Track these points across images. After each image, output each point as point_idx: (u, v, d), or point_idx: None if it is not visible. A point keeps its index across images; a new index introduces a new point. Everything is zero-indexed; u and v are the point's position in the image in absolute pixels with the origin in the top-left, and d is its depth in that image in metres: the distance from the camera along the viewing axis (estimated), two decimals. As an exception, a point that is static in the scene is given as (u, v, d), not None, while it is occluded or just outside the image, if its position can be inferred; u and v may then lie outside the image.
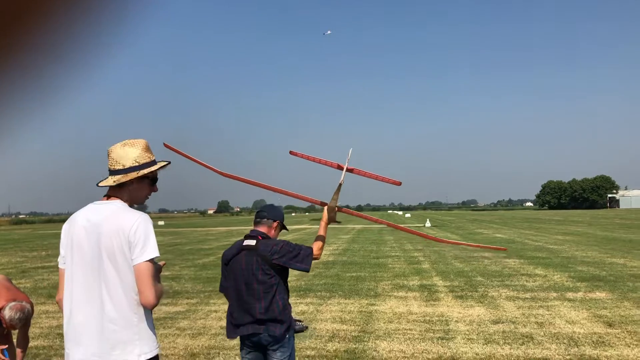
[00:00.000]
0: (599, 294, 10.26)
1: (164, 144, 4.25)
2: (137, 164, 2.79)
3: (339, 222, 4.33)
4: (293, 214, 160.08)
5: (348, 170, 4.45)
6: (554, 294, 10.35)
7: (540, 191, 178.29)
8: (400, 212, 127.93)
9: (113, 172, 2.77)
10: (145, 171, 2.80)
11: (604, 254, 17.95)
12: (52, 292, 6.90)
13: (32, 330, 6.05)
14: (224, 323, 8.37)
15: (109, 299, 2.63)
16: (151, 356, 2.71)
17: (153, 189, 2.95)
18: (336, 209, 4.25)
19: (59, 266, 2.82)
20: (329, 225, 4.22)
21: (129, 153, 2.78)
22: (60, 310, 2.84)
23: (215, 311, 9.36)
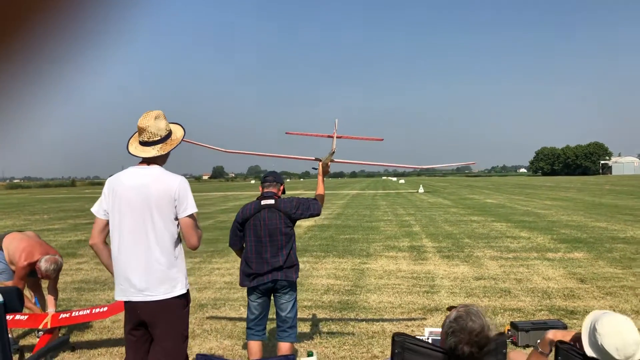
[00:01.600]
0: (577, 254, 10.97)
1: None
2: (168, 132, 3.42)
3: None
4: (288, 180, 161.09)
5: (337, 137, 5.14)
6: (535, 254, 11.06)
7: (533, 157, 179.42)
8: (395, 179, 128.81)
9: (152, 143, 3.35)
10: (178, 138, 3.44)
11: (588, 218, 18.69)
12: (61, 252, 7.45)
13: (45, 285, 6.69)
14: (227, 279, 9.05)
15: (156, 245, 3.26)
16: (185, 291, 3.40)
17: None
18: (329, 163, 4.99)
19: (98, 216, 3.41)
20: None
21: (159, 125, 3.38)
22: (95, 252, 3.51)
23: (218, 269, 10.03)
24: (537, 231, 15.05)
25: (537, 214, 20.67)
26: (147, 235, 3.27)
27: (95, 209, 3.44)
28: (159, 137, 3.38)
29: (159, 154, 3.38)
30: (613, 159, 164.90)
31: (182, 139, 3.50)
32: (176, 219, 3.33)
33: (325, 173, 5.03)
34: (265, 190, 4.60)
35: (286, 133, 5.47)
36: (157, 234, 3.28)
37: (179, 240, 3.39)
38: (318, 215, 4.74)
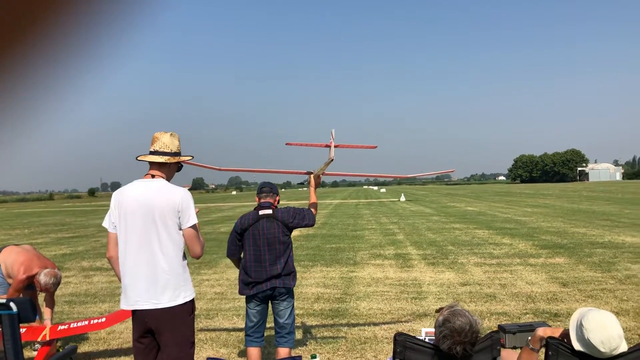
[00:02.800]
0: (558, 260, 11.26)
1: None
2: (178, 151, 3.61)
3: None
4: None
5: (335, 146, 5.38)
6: (518, 260, 11.33)
7: (512, 165, 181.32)
8: (376, 188, 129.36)
9: (160, 154, 3.52)
10: (185, 158, 3.62)
11: (568, 224, 19.10)
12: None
13: (41, 298, 6.75)
14: (217, 290, 9.16)
15: (161, 255, 3.40)
16: (190, 298, 3.54)
17: (176, 171, 3.78)
18: (321, 175, 5.22)
19: (109, 230, 3.55)
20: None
21: (174, 141, 3.60)
22: (111, 265, 3.63)
23: (207, 280, 10.11)
24: (519, 238, 15.36)
25: (517, 221, 21.04)
26: (152, 246, 3.41)
27: (106, 224, 3.58)
28: (170, 150, 3.56)
29: (167, 162, 3.54)
30: (590, 165, 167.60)
31: (188, 162, 3.72)
32: (180, 229, 3.49)
33: (317, 185, 5.24)
34: (263, 200, 4.76)
35: (286, 144, 5.68)
36: (162, 244, 3.42)
37: (183, 249, 3.54)
38: (312, 225, 4.91)
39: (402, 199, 46.40)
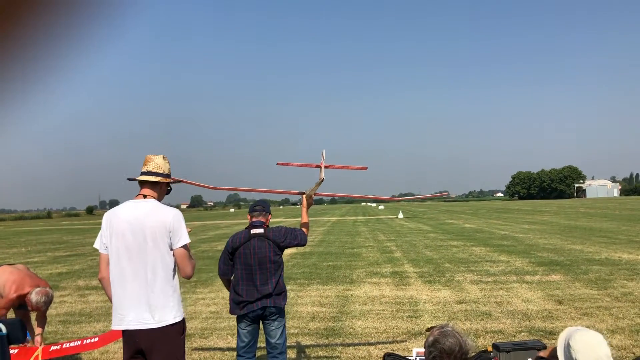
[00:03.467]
0: (554, 277, 11.25)
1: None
2: (169, 173, 3.68)
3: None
4: None
5: (325, 167, 5.40)
6: (514, 277, 11.32)
7: (510, 182, 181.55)
8: (374, 204, 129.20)
9: (154, 174, 3.57)
10: (178, 179, 3.66)
11: (565, 241, 19.10)
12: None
13: (33, 317, 6.72)
14: (212, 308, 9.12)
15: (152, 275, 3.41)
16: (181, 319, 3.54)
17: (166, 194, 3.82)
18: (313, 195, 5.24)
19: (101, 251, 3.56)
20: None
21: (166, 164, 3.68)
22: (102, 286, 3.63)
23: (203, 298, 10.08)
24: (516, 255, 15.35)
25: (515, 238, 21.03)
26: (143, 266, 3.42)
27: (97, 244, 3.59)
28: (162, 172, 3.61)
29: (159, 181, 3.58)
30: (587, 182, 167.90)
31: (182, 180, 3.77)
32: (171, 249, 3.50)
33: (309, 205, 5.27)
34: (254, 219, 4.77)
35: (277, 164, 5.72)
36: (154, 264, 3.43)
37: (174, 270, 3.54)
38: (304, 245, 4.91)
39: (400, 215, 46.37)
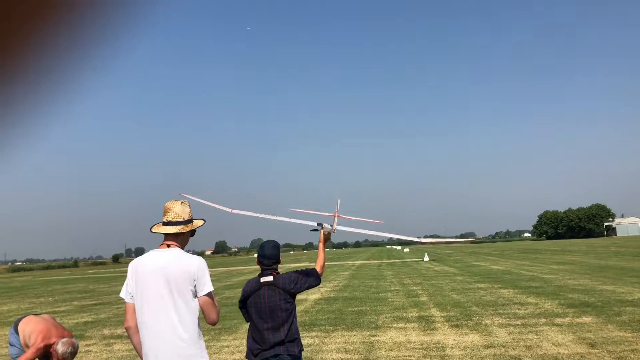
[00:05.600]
0: (586, 319, 10.96)
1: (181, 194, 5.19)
2: (190, 218, 3.69)
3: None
4: (291, 252, 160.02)
5: (338, 216, 5.37)
6: (544, 320, 11.04)
7: (537, 222, 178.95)
8: (399, 247, 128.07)
9: (173, 224, 3.62)
10: (196, 225, 3.70)
11: (595, 281, 18.64)
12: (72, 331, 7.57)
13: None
14: (236, 356, 9.06)
15: (178, 323, 3.44)
16: None
17: (192, 235, 3.85)
18: (332, 232, 5.14)
19: (126, 300, 3.61)
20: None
21: (185, 209, 3.70)
22: (129, 335, 3.66)
23: (227, 346, 10.02)
24: (545, 296, 15.02)
25: (543, 279, 20.60)
26: (169, 315, 3.45)
27: (123, 294, 3.64)
28: (182, 219, 3.66)
29: (180, 232, 3.62)
30: (616, 220, 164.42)
31: (200, 225, 3.80)
32: (196, 297, 3.53)
33: (327, 240, 5.16)
34: (264, 267, 4.74)
35: (289, 209, 5.76)
36: (179, 312, 3.46)
37: (199, 317, 3.57)
38: (317, 285, 4.84)
39: (426, 258, 45.84)
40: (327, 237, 5.15)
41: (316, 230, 5.04)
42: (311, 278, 4.75)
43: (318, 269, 4.85)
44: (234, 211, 5.72)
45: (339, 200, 5.56)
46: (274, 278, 4.63)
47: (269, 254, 4.71)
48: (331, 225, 5.15)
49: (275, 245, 4.79)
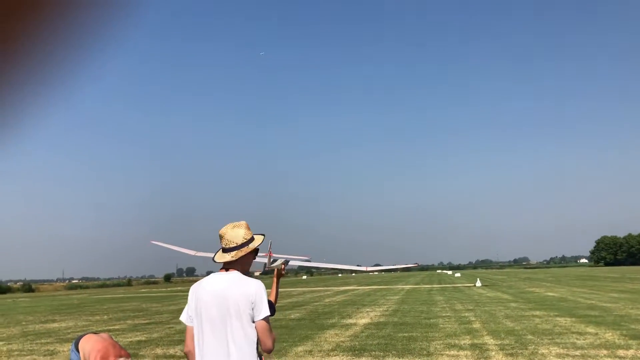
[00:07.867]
0: (650, 351, 10.44)
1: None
2: (245, 240, 3.71)
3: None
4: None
5: (271, 255, 5.20)
6: (605, 352, 10.59)
7: (594, 247, 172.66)
8: (450, 272, 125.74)
9: (229, 250, 3.66)
10: (252, 247, 3.72)
11: (659, 311, 17.77)
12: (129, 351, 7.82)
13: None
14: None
15: (235, 349, 3.46)
16: None
17: (254, 257, 3.86)
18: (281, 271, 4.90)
19: (187, 324, 3.67)
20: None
21: (238, 233, 3.70)
22: (188, 359, 3.68)
23: (277, 369, 10.00)
24: (605, 326, 14.41)
25: (602, 308, 19.79)
26: (226, 340, 3.48)
27: (184, 317, 3.69)
28: (235, 244, 3.68)
29: (232, 259, 3.66)
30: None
31: (255, 248, 3.78)
32: (253, 321, 3.54)
33: (280, 275, 4.75)
34: None
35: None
36: (236, 338, 3.48)
37: (257, 342, 3.57)
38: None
39: (478, 284, 44.79)
40: (280, 273, 4.83)
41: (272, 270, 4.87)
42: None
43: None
44: (198, 254, 5.95)
45: (270, 242, 5.35)
46: None
47: None
48: (273, 263, 4.99)
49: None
